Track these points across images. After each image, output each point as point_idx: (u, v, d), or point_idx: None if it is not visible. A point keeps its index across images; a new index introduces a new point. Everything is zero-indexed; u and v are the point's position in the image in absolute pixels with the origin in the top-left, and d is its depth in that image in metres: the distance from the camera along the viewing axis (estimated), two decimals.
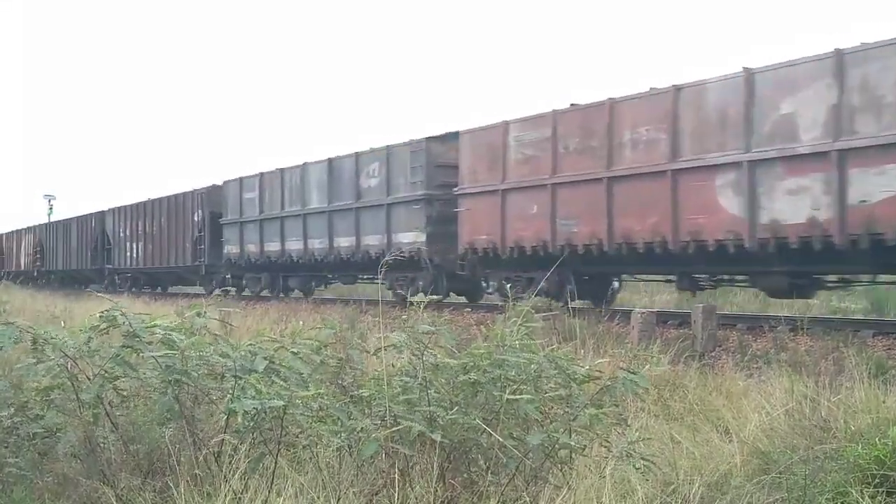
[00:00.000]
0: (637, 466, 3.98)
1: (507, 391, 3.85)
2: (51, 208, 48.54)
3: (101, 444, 4.46)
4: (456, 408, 3.87)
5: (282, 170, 22.86)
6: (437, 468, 3.81)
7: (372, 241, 19.29)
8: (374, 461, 3.95)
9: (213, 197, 26.59)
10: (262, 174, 23.85)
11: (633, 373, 4.17)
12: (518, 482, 3.91)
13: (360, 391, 4.19)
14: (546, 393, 4.07)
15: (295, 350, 4.31)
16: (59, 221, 41.62)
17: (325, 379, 4.50)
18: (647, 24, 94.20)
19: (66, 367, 4.21)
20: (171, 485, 3.95)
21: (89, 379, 4.27)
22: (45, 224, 44.07)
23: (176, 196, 29.18)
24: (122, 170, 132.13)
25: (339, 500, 3.75)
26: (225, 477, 3.83)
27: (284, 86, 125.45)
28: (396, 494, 3.69)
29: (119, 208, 34.11)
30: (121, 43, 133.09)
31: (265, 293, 24.56)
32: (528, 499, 3.84)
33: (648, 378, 4.29)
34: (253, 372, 3.95)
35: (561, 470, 4.09)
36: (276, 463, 3.88)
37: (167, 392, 4.11)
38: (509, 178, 15.48)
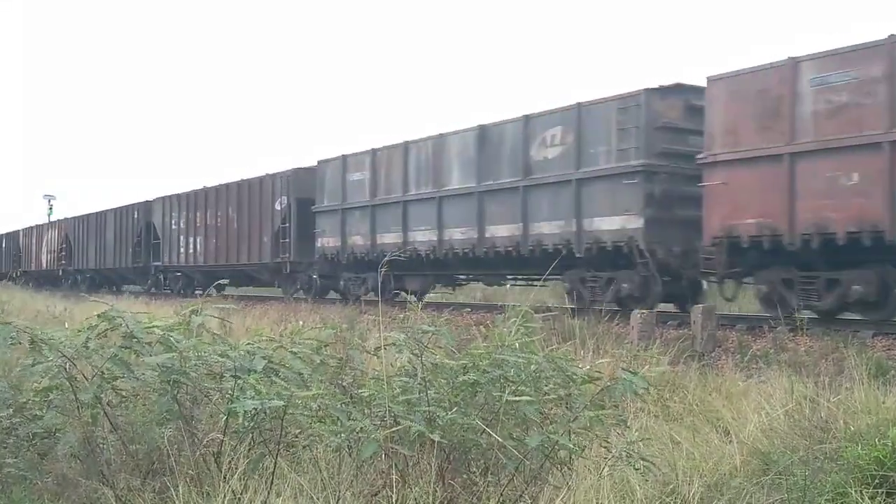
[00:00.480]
0: (636, 467, 3.98)
1: (507, 392, 3.85)
2: (50, 208, 48.20)
3: (101, 445, 4.46)
4: (455, 408, 3.87)
5: (406, 143, 18.36)
6: (437, 469, 3.81)
7: (549, 228, 14.80)
8: (373, 462, 3.95)
9: (301, 180, 21.95)
10: (374, 150, 19.37)
11: (633, 373, 4.17)
12: (517, 483, 3.91)
13: (360, 391, 4.20)
14: (546, 394, 4.06)
15: (295, 350, 4.32)
16: (92, 214, 35.88)
17: (325, 379, 4.50)
18: (647, 23, 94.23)
19: (65, 368, 4.20)
20: (170, 485, 3.95)
21: (87, 379, 4.27)
22: (74, 218, 38.29)
23: (249, 181, 24.27)
24: (122, 171, 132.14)
25: (338, 500, 3.75)
26: (224, 477, 3.83)
27: (283, 85, 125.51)
28: (395, 495, 3.69)
29: (171, 196, 29.17)
30: (120, 43, 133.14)
31: (369, 296, 19.59)
32: (527, 500, 3.84)
33: (648, 378, 4.28)
34: (252, 372, 3.95)
35: (560, 471, 4.09)
36: (275, 463, 3.88)
37: (166, 392, 4.11)
38: (802, 136, 11.19)
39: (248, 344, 4.34)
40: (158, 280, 30.20)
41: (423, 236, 17.75)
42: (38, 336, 4.24)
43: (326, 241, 20.90)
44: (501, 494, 3.82)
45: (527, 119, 15.26)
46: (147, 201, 31.16)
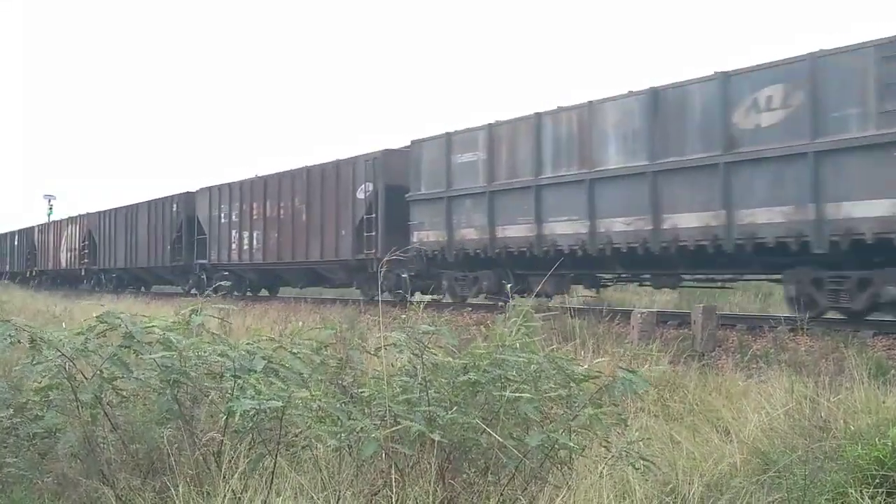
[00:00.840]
0: (637, 467, 3.99)
1: (507, 391, 3.85)
2: (51, 208, 48.18)
3: (101, 444, 4.47)
4: (455, 408, 3.88)
5: (539, 115, 14.79)
6: (437, 468, 3.81)
7: (767, 215, 11.39)
8: (373, 461, 3.96)
9: (391, 164, 18.74)
10: (491, 125, 15.85)
11: (632, 372, 4.17)
12: (518, 482, 3.91)
13: (360, 391, 4.20)
14: (546, 393, 4.07)
15: (295, 350, 4.32)
16: (120, 208, 32.76)
17: (325, 379, 4.50)
18: (646, 23, 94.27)
19: (64, 368, 4.21)
20: (170, 485, 3.95)
21: (86, 379, 4.27)
22: (99, 212, 34.85)
23: (323, 166, 20.86)
24: (122, 170, 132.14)
25: (338, 500, 3.76)
26: (224, 477, 3.83)
27: (282, 85, 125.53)
28: (395, 494, 3.69)
29: (220, 186, 25.52)
30: (120, 43, 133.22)
31: (477, 298, 16.69)
32: (527, 499, 3.84)
33: (648, 378, 4.29)
34: (252, 372, 3.95)
35: (560, 470, 4.09)
36: (275, 463, 3.88)
37: (166, 392, 4.12)
38: None
39: (248, 344, 4.34)
40: (201, 280, 26.01)
41: (566, 228, 14.25)
42: (38, 335, 4.24)
43: (425, 234, 17.33)
44: (501, 494, 3.82)
45: (726, 77, 11.89)
46: (188, 192, 27.55)
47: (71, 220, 38.04)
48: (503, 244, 15.45)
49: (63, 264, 38.33)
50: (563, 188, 14.37)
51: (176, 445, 4.25)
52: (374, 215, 18.75)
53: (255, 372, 3.95)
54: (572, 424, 3.99)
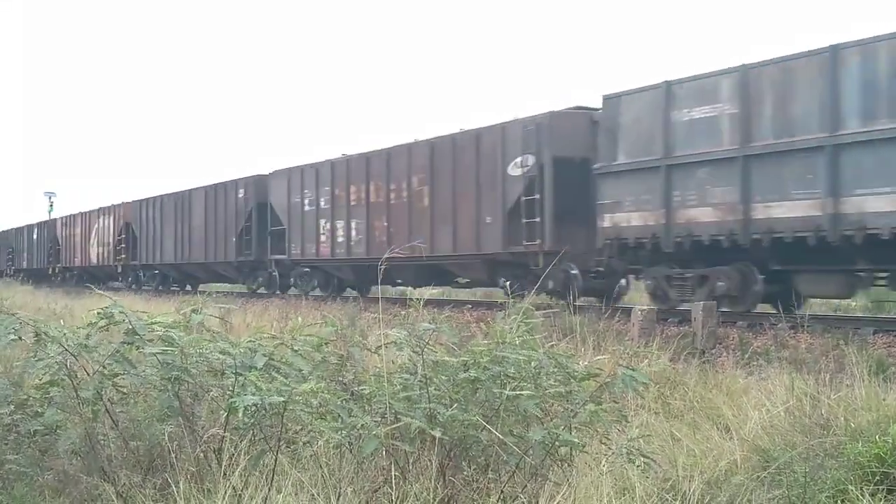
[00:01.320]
0: (637, 464, 3.99)
1: (508, 388, 3.85)
2: (51, 206, 48.20)
3: (102, 441, 4.47)
4: (456, 405, 3.88)
5: (835, 48, 10.81)
6: (437, 465, 3.81)
7: None
8: (374, 458, 3.96)
9: (559, 130, 14.69)
10: (746, 68, 11.84)
11: (632, 369, 4.17)
12: (518, 479, 3.91)
13: (361, 388, 4.20)
14: (546, 390, 4.07)
15: (295, 347, 4.32)
16: (167, 195, 28.62)
17: (326, 376, 4.51)
18: (646, 23, 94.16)
19: (66, 364, 4.21)
20: (171, 481, 3.95)
21: (88, 375, 4.28)
22: (139, 201, 30.54)
23: (454, 136, 16.91)
24: (122, 168, 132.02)
25: (338, 497, 3.76)
26: (225, 474, 3.83)
27: (283, 84, 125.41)
28: (396, 491, 3.70)
29: (304, 167, 21.39)
30: (120, 42, 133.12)
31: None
32: (527, 496, 3.84)
33: (648, 375, 4.29)
34: (253, 368, 3.95)
35: (561, 467, 4.09)
36: (276, 460, 3.88)
37: (167, 389, 4.12)
38: None
39: (250, 341, 4.34)
40: (273, 278, 22.77)
41: (888, 203, 10.34)
42: (42, 329, 4.24)
43: (625, 217, 13.47)
44: (502, 491, 3.83)
45: None
46: (259, 176, 23.62)
47: (103, 210, 33.38)
48: (766, 227, 11.51)
49: (94, 260, 33.87)
50: (884, 147, 10.44)
51: (177, 442, 4.25)
52: (537, 196, 14.70)
53: (257, 369, 3.96)
54: (573, 421, 4.00)
